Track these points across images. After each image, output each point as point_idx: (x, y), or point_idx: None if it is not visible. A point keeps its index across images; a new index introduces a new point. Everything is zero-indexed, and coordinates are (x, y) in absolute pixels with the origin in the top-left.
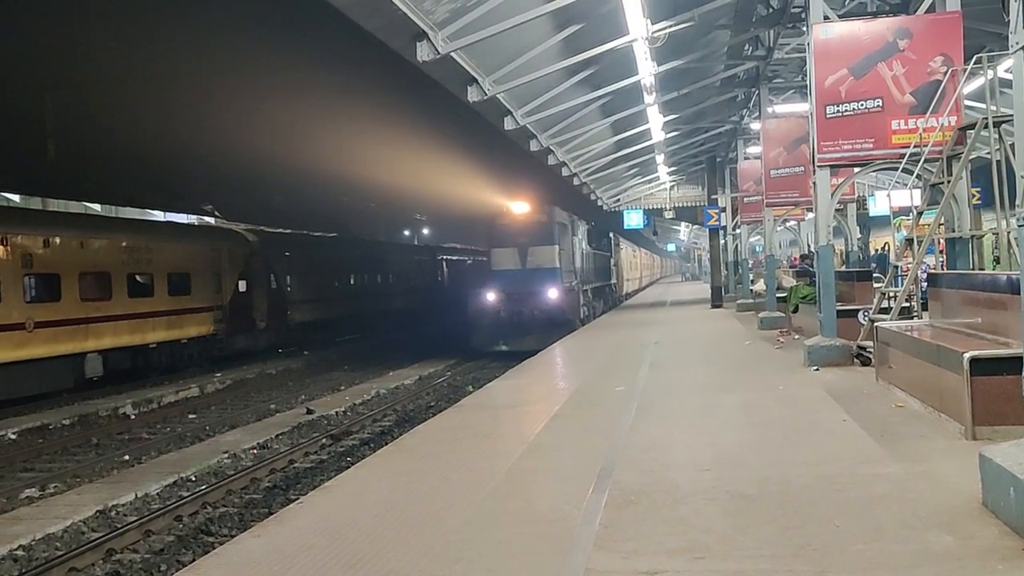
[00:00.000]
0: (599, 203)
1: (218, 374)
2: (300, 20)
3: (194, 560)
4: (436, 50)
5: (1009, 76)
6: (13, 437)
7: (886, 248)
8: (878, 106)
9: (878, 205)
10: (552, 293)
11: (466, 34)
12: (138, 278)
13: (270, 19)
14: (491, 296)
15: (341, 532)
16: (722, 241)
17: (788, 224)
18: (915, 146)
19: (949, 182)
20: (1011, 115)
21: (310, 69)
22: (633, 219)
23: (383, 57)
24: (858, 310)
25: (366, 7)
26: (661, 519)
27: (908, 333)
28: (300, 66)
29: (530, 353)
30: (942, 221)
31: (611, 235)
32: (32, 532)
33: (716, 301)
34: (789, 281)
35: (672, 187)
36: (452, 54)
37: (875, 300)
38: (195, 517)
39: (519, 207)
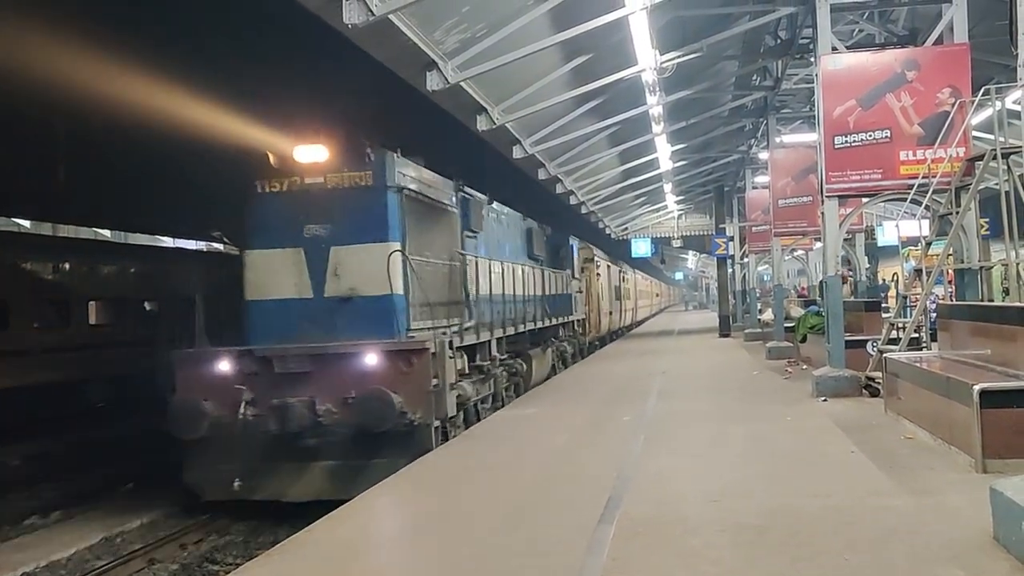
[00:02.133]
0: (607, 231)
1: None
2: (309, 50)
3: None
4: (446, 79)
5: (1017, 107)
6: (18, 463)
7: (895, 279)
8: (886, 137)
9: (887, 235)
10: (371, 359)
11: (475, 64)
12: (146, 304)
13: (277, 48)
14: (225, 366)
15: (348, 562)
16: (730, 270)
17: (796, 254)
18: (923, 177)
19: (958, 213)
20: (1020, 146)
21: (318, 95)
22: (641, 247)
23: (393, 86)
24: (867, 341)
25: (377, 38)
26: (670, 551)
27: (917, 364)
28: (310, 93)
29: (320, 508)
30: (951, 252)
31: (572, 242)
32: (36, 560)
33: (724, 330)
34: (797, 311)
35: (680, 216)
36: (461, 83)
37: (884, 331)
38: (200, 545)
39: (309, 153)
